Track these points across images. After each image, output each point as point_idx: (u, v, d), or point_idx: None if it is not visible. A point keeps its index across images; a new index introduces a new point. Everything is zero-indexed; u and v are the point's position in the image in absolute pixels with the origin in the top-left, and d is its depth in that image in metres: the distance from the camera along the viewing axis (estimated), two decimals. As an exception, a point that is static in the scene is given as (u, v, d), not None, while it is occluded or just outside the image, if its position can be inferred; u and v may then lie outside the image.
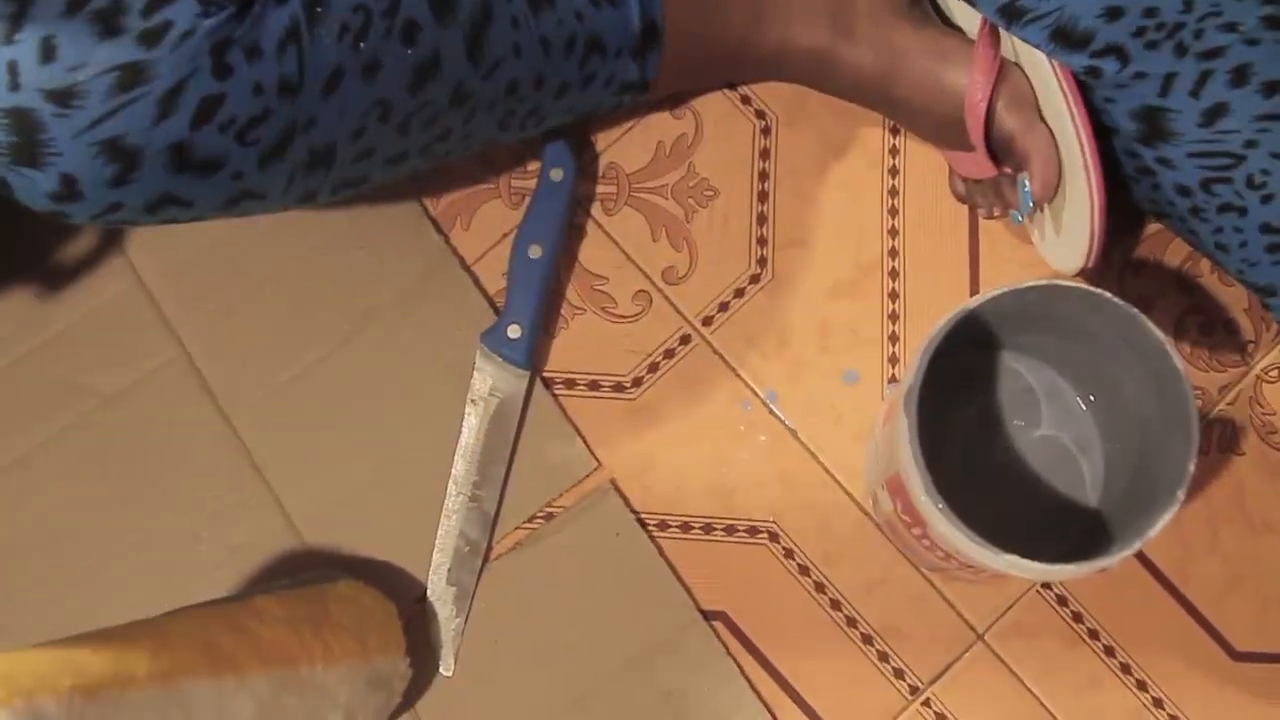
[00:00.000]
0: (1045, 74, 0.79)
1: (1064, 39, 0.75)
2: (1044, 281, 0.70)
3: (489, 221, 0.90)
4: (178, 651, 0.70)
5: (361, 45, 0.69)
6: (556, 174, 0.87)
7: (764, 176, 0.91)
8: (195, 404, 0.88)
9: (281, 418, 0.87)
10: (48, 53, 0.60)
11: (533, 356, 0.86)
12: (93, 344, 0.90)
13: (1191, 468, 0.67)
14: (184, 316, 0.90)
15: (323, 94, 0.69)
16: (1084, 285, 0.69)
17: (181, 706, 0.70)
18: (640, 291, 0.89)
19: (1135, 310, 0.69)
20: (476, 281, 0.89)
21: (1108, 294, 0.69)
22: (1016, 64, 0.83)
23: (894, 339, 0.88)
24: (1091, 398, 0.81)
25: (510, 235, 0.89)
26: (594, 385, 0.88)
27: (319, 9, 0.67)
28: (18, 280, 0.90)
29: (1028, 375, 0.83)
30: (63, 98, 0.61)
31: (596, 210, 0.90)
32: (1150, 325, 0.69)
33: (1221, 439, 0.87)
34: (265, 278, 0.89)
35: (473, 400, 0.86)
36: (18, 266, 0.90)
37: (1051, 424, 0.82)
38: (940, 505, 0.67)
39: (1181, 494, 0.67)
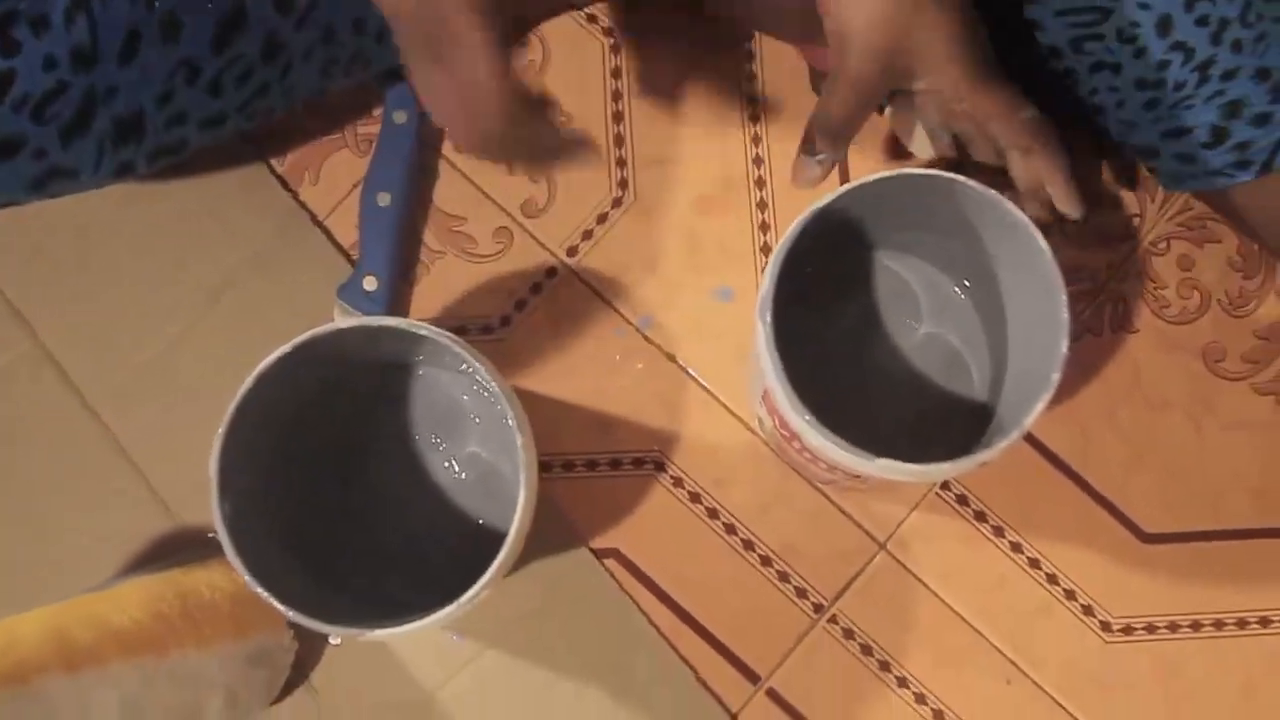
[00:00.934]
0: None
1: None
2: (899, 171, 0.66)
3: (338, 173, 0.87)
4: (26, 650, 0.68)
5: (156, 4, 0.66)
6: (400, 116, 0.84)
7: (617, 96, 0.87)
8: (55, 393, 0.85)
9: (145, 398, 0.84)
10: None
11: (393, 307, 0.83)
12: (-56, 343, 0.86)
13: (1064, 349, 0.64)
14: (34, 304, 0.86)
15: (120, 60, 0.66)
16: (940, 172, 0.66)
17: (39, 704, 0.68)
18: (500, 228, 0.86)
19: (994, 193, 0.66)
20: (330, 236, 0.86)
21: (964, 179, 0.66)
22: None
23: (766, 250, 0.85)
24: (970, 289, 0.78)
25: (359, 186, 0.86)
26: (461, 330, 0.85)
27: None
28: None
29: (905, 274, 0.80)
30: None
31: (448, 149, 0.87)
32: (1010, 206, 0.66)
33: (1114, 318, 0.84)
34: (114, 257, 0.86)
35: (336, 359, 0.83)
36: None
37: (934, 321, 0.79)
38: (806, 417, 0.64)
39: (1056, 377, 0.64)
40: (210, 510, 0.65)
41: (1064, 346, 0.64)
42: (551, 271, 0.85)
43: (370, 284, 0.82)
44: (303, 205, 0.86)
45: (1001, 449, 0.64)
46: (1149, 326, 0.84)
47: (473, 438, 0.80)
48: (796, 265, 0.67)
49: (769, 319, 0.65)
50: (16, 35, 0.62)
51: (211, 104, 0.72)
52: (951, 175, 0.66)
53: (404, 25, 0.59)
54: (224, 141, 0.75)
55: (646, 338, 0.84)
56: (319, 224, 0.86)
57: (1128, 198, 0.85)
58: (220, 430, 0.67)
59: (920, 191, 0.68)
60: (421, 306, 0.85)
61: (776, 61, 0.87)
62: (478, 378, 0.75)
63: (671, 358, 0.84)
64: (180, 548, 0.82)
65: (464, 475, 0.80)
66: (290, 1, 0.71)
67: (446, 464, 0.80)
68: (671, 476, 0.82)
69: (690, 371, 0.84)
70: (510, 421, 0.69)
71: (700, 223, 0.85)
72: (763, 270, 0.83)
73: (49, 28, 0.63)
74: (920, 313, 0.80)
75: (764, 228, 0.85)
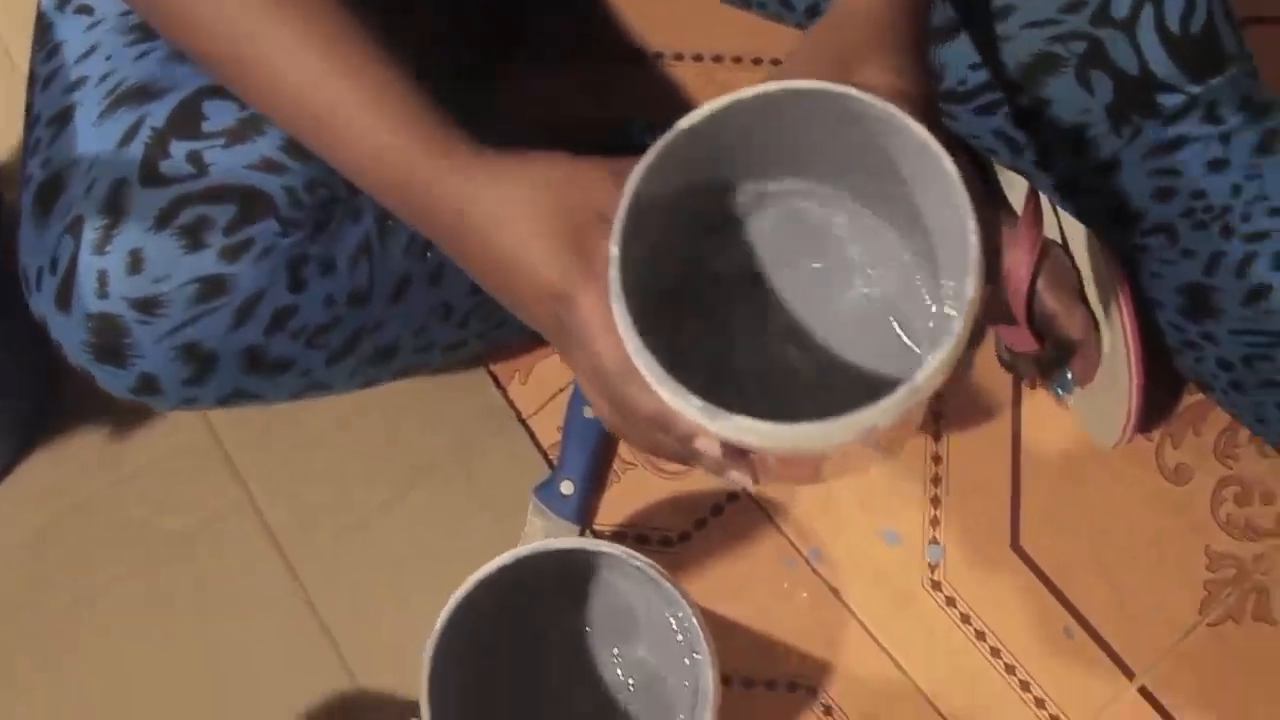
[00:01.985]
0: (1091, 251, 0.81)
1: (1115, 217, 0.77)
2: (772, 86, 0.52)
3: (546, 376, 0.94)
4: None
5: (429, 255, 0.73)
6: (612, 335, 0.91)
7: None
8: (257, 546, 0.91)
9: (341, 563, 0.91)
10: (135, 265, 0.64)
11: (584, 513, 0.89)
12: (160, 485, 0.93)
13: (971, 290, 0.50)
14: (249, 460, 0.93)
15: (390, 301, 0.73)
16: (822, 84, 0.52)
17: None
18: (689, 448, 0.92)
19: (891, 108, 0.52)
20: (532, 435, 0.92)
21: (854, 91, 0.52)
22: (1059, 242, 0.86)
23: (936, 502, 0.91)
24: (897, 228, 0.62)
25: (566, 390, 0.92)
26: (642, 539, 0.90)
27: (390, 223, 0.71)
28: (91, 420, 0.94)
29: (836, 218, 0.63)
30: (147, 306, 0.65)
31: (649, 367, 0.93)
32: (909, 121, 0.52)
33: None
34: (329, 425, 0.93)
35: (523, 553, 0.89)
36: (91, 407, 0.94)
37: (870, 280, 0.64)
38: (650, 365, 0.50)
39: (959, 323, 0.50)
40: (388, 675, 0.68)
41: (971, 288, 0.50)
42: (733, 496, 0.91)
43: (567, 488, 0.88)
44: (510, 402, 0.93)
45: (885, 408, 0.49)
46: (1289, 621, 0.88)
47: (642, 643, 0.85)
48: (678, 223, 0.57)
49: (619, 244, 0.52)
50: (304, 275, 0.68)
51: (457, 334, 0.79)
52: (839, 90, 0.52)
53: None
54: (459, 360, 0.82)
55: (814, 570, 0.90)
56: (523, 421, 0.93)
57: None
58: (435, 631, 0.73)
59: (795, 109, 0.54)
60: (609, 513, 0.91)
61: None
62: (673, 608, 0.80)
63: (836, 593, 0.89)
64: (359, 710, 0.87)
65: (630, 679, 0.85)
66: None
67: (615, 665, 0.85)
68: (822, 704, 0.87)
69: (851, 608, 0.89)
70: (699, 655, 0.75)
71: (876, 469, 0.91)
72: (930, 520, 0.89)
73: (334, 271, 0.69)
74: (853, 271, 0.64)
75: (935, 480, 0.91)
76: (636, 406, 0.53)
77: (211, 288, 0.66)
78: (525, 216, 0.56)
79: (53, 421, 0.94)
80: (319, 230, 0.68)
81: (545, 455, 0.92)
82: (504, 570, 0.75)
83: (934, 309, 0.60)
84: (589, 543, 0.76)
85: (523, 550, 0.75)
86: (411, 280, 0.73)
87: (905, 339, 0.61)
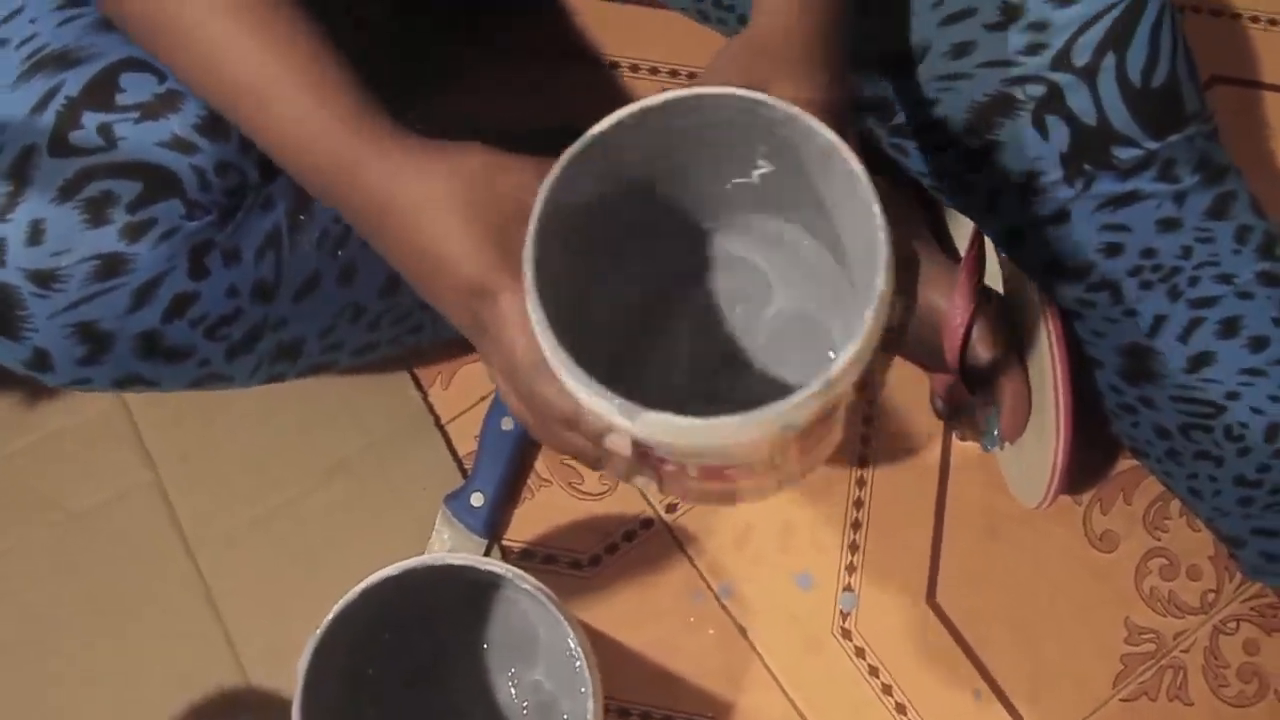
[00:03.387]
0: (1029, 304, 0.79)
1: (1061, 269, 0.75)
2: (683, 92, 0.52)
3: (469, 384, 0.92)
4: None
5: (340, 252, 0.71)
6: (538, 347, 0.89)
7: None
8: (160, 531, 0.89)
9: (243, 555, 0.89)
10: (35, 235, 0.62)
11: (493, 526, 0.87)
12: (70, 457, 0.91)
13: (881, 284, 0.49)
14: (161, 442, 0.91)
15: (296, 298, 0.71)
16: (731, 90, 0.52)
17: None
18: (608, 471, 0.90)
19: (796, 110, 0.52)
20: (449, 441, 0.90)
21: (762, 96, 0.52)
22: (999, 292, 0.84)
23: (854, 548, 0.88)
24: (812, 241, 0.62)
25: (488, 399, 0.90)
26: (550, 559, 0.88)
27: (302, 217, 0.69)
28: (5, 383, 0.92)
29: (759, 229, 0.63)
30: (44, 279, 0.63)
31: (575, 384, 0.91)
32: (814, 123, 0.52)
33: (1171, 687, 0.86)
34: (245, 414, 0.91)
35: (429, 561, 0.87)
36: (5, 373, 0.92)
37: (792, 296, 0.63)
38: (565, 360, 0.50)
39: (870, 315, 0.49)
40: (282, 676, 0.67)
41: (880, 281, 0.50)
42: (648, 523, 0.89)
43: (477, 500, 0.86)
44: (430, 406, 0.91)
45: (799, 402, 0.49)
46: (1204, 701, 0.86)
47: (540, 666, 0.83)
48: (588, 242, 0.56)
49: (533, 250, 0.51)
50: (207, 263, 0.66)
51: (368, 337, 0.77)
52: (741, 94, 0.52)
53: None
54: (371, 362, 0.80)
55: (723, 606, 0.87)
56: (440, 427, 0.90)
57: (1208, 570, 0.88)
58: (315, 634, 0.71)
59: (722, 125, 0.54)
60: (520, 529, 0.89)
61: (899, 366, 0.91)
62: (563, 630, 0.78)
63: (743, 631, 0.87)
64: (249, 707, 0.85)
65: (525, 702, 0.83)
66: None
67: (511, 687, 0.83)
68: (719, 745, 0.85)
69: (757, 648, 0.87)
70: (585, 688, 0.72)
71: (795, 508, 0.89)
72: (846, 566, 0.87)
73: (239, 261, 0.67)
74: (770, 288, 0.63)
75: (855, 525, 0.89)
76: (549, 403, 0.53)
77: (110, 266, 0.64)
78: (447, 208, 0.55)
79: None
80: (226, 217, 0.66)
81: (460, 463, 0.90)
82: (391, 581, 0.73)
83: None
84: (481, 561, 0.74)
85: (410, 562, 0.73)
86: (321, 278, 0.71)
87: (831, 352, 0.60)
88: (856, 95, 0.75)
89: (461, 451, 0.90)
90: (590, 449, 0.55)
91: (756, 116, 0.53)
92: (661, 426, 0.49)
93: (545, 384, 0.53)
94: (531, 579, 0.73)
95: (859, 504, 0.89)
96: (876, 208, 0.51)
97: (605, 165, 0.53)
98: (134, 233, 0.63)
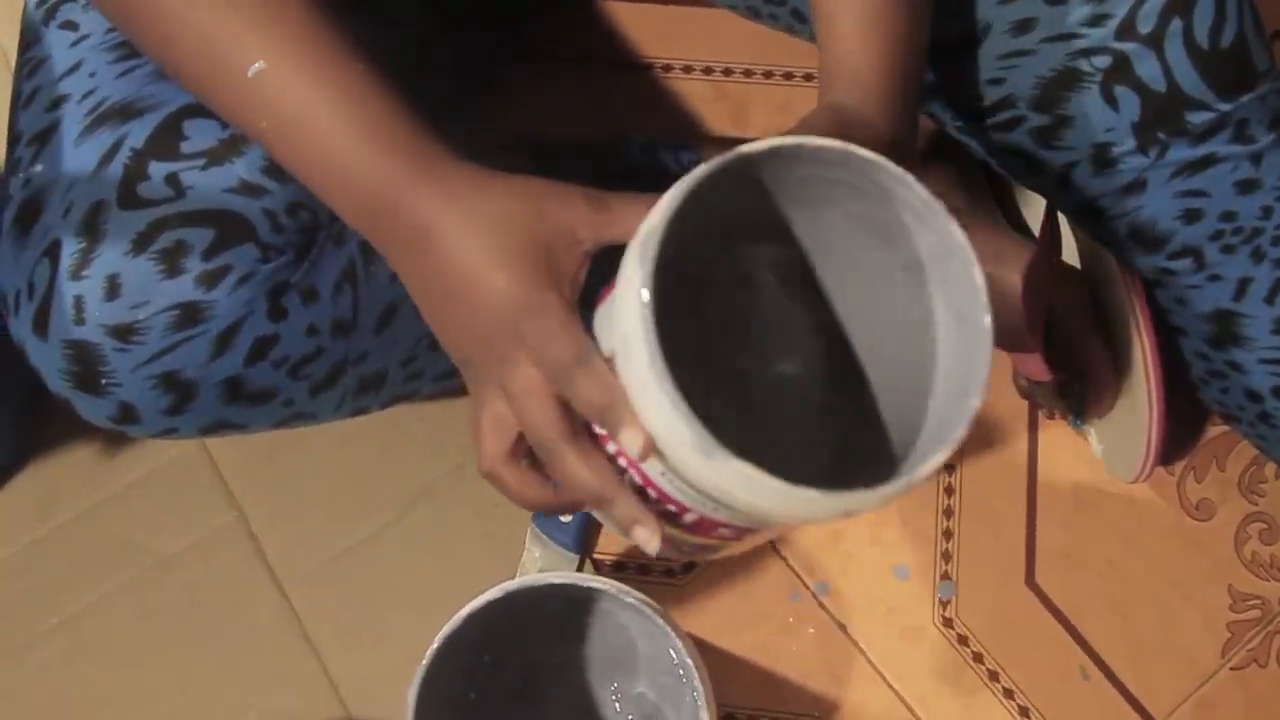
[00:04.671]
0: (1110, 278, 0.78)
1: (1140, 240, 0.74)
2: (788, 140, 0.50)
3: (546, 399, 0.91)
4: None
5: None
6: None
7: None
8: (249, 569, 0.89)
9: (334, 588, 0.88)
10: (113, 290, 0.62)
11: (583, 542, 0.86)
12: (151, 504, 0.91)
13: (976, 402, 0.49)
14: (243, 482, 0.91)
15: (376, 330, 0.70)
16: (822, 141, 0.50)
17: None
18: (694, 476, 0.89)
19: (903, 173, 0.50)
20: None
21: (860, 150, 0.50)
22: (1076, 267, 0.83)
23: (948, 535, 0.88)
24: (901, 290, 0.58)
25: (567, 414, 0.90)
26: (644, 570, 0.88)
27: (374, 250, 0.68)
28: (81, 436, 0.92)
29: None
30: (124, 334, 0.62)
31: (653, 392, 0.91)
32: (919, 188, 0.50)
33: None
34: (324, 448, 0.91)
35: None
36: (82, 422, 0.92)
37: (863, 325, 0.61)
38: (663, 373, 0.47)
39: (961, 430, 0.49)
40: (382, 706, 0.67)
41: (976, 401, 0.50)
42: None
43: (566, 516, 0.86)
44: (510, 426, 0.90)
45: (881, 495, 0.49)
46: (1315, 666, 0.85)
47: (642, 679, 0.82)
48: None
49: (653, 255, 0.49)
50: (285, 304, 0.66)
51: (448, 363, 0.76)
52: (846, 145, 0.50)
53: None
54: (449, 388, 0.79)
55: (821, 604, 0.87)
56: (522, 445, 0.90)
57: (1307, 532, 0.87)
58: (423, 663, 0.70)
59: (819, 179, 0.53)
60: (611, 541, 0.88)
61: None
62: (667, 641, 0.78)
63: (843, 628, 0.86)
64: (349, 743, 0.85)
65: (629, 715, 0.82)
66: None
67: (615, 701, 0.82)
68: (828, 744, 0.84)
69: (859, 644, 0.86)
70: (696, 696, 0.72)
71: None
72: (941, 554, 0.86)
73: (317, 299, 0.67)
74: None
75: (948, 513, 0.88)
76: (586, 395, 0.50)
77: (189, 315, 0.63)
78: (496, 233, 0.54)
79: (43, 436, 0.92)
80: (300, 257, 0.65)
81: (545, 481, 0.89)
82: (493, 604, 0.73)
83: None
84: (582, 578, 0.73)
85: (511, 585, 0.73)
86: (399, 308, 0.71)
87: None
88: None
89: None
90: (595, 480, 0.51)
91: (864, 176, 0.51)
92: (739, 477, 0.46)
93: (586, 377, 0.50)
94: (635, 592, 0.73)
95: (950, 491, 0.88)
96: (988, 334, 0.49)
97: (699, 206, 0.51)
98: (210, 280, 0.63)
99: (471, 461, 0.88)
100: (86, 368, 0.64)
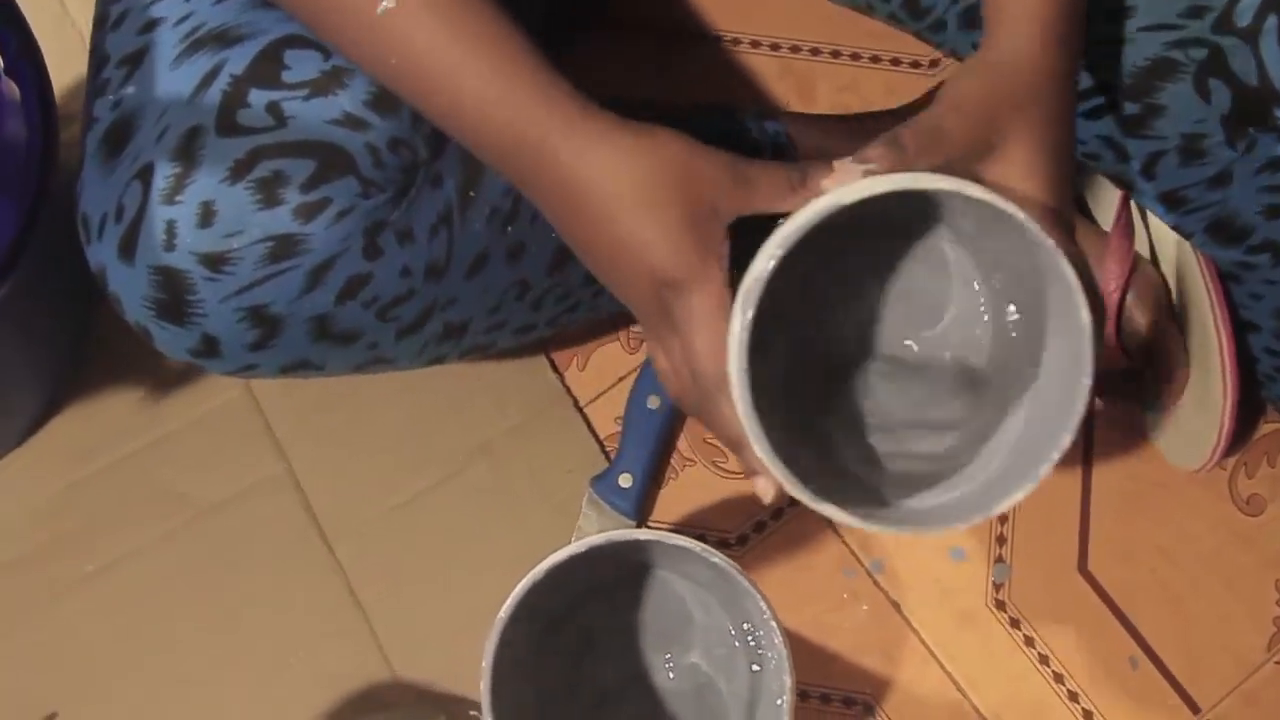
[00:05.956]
0: (1187, 268, 0.79)
1: (1221, 232, 0.75)
2: (944, 183, 0.52)
3: (605, 365, 0.90)
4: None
5: (509, 229, 0.69)
6: (680, 325, 0.87)
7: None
8: (296, 523, 0.87)
9: (383, 545, 0.87)
10: (206, 217, 0.60)
11: (641, 507, 0.86)
12: (196, 451, 0.89)
13: (1066, 444, 0.52)
14: (292, 432, 0.89)
15: (467, 276, 0.69)
16: (987, 194, 0.51)
17: None
18: (752, 449, 0.89)
19: (1048, 241, 0.51)
20: (588, 423, 0.89)
21: (1022, 216, 0.51)
22: (1148, 257, 0.83)
23: (1003, 518, 0.88)
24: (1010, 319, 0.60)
25: (626, 380, 0.89)
26: (698, 540, 0.86)
27: (472, 193, 0.67)
28: (126, 380, 0.90)
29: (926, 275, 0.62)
30: (215, 262, 0.61)
31: (713, 362, 0.90)
32: (1063, 262, 0.52)
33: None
34: (377, 401, 0.89)
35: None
36: (128, 366, 0.90)
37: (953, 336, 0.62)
38: (760, 438, 0.51)
39: (1048, 467, 0.52)
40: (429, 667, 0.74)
41: (1066, 444, 0.52)
42: (793, 500, 0.87)
43: (625, 481, 0.85)
44: (567, 388, 0.89)
45: (969, 520, 0.54)
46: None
47: (696, 649, 0.82)
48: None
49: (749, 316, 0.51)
50: (381, 243, 0.64)
51: (530, 316, 0.75)
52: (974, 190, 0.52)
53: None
54: (524, 344, 0.78)
55: (875, 581, 0.86)
56: (579, 409, 0.89)
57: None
58: (500, 616, 0.70)
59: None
60: (665, 509, 0.87)
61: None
62: (737, 614, 0.77)
63: (896, 606, 0.86)
64: (396, 701, 0.83)
65: (681, 683, 0.82)
66: None
67: (669, 670, 0.82)
68: (877, 723, 0.84)
69: (912, 623, 0.86)
70: (769, 661, 0.72)
71: (943, 479, 0.88)
72: (996, 537, 0.86)
73: (412, 240, 0.65)
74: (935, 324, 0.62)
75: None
76: (717, 418, 0.55)
77: (284, 247, 0.62)
78: (643, 193, 0.54)
79: (86, 377, 0.90)
80: (399, 196, 0.64)
81: (601, 445, 0.88)
82: (571, 561, 0.72)
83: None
84: (667, 536, 0.72)
85: (595, 540, 0.72)
86: (490, 256, 0.70)
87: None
88: None
89: (602, 434, 0.89)
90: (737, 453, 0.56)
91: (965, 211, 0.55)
92: (836, 514, 0.53)
93: (723, 405, 0.54)
94: (719, 553, 0.72)
95: (1005, 475, 0.88)
96: (1089, 370, 0.52)
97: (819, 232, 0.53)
98: (308, 213, 0.61)
99: (530, 421, 0.88)
100: (173, 296, 0.63)
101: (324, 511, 0.87)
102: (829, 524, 0.87)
